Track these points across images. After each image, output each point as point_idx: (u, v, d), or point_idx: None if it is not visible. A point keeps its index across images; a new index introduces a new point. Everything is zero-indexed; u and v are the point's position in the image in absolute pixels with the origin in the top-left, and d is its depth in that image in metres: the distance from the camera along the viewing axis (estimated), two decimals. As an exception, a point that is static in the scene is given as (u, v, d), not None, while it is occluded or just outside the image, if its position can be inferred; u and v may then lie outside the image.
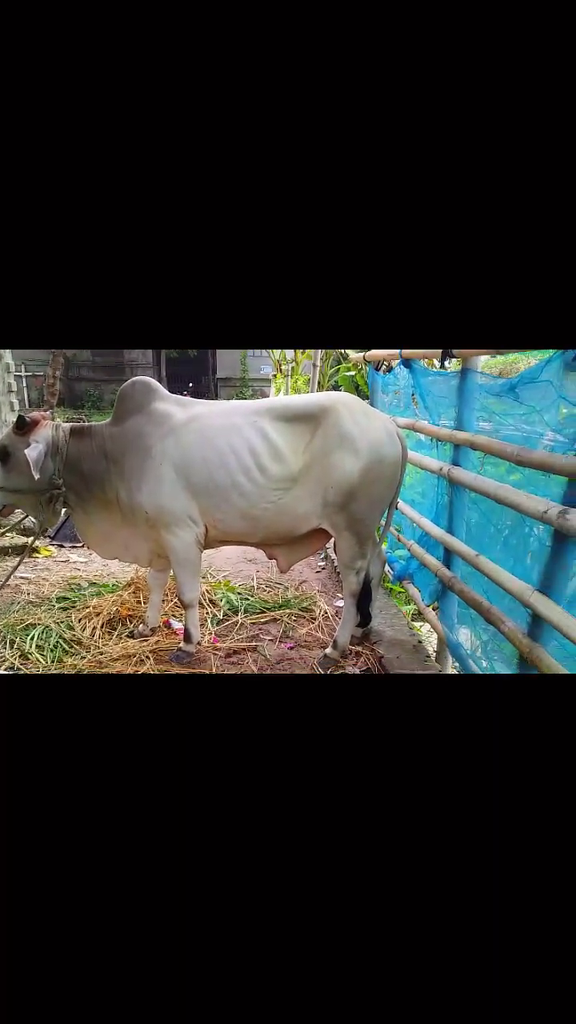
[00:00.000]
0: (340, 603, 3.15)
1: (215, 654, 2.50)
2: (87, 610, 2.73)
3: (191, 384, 12.49)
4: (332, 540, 2.39)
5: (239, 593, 3.10)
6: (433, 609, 2.71)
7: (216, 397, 12.91)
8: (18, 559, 2.49)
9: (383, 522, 2.46)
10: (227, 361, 13.39)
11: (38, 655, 2.36)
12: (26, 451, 2.12)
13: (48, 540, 3.72)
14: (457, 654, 2.31)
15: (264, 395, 12.39)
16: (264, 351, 9.89)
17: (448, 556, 2.49)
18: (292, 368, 7.03)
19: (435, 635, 2.89)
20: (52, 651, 2.40)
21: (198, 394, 2.22)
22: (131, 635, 2.59)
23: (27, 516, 2.46)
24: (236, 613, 2.89)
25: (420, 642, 2.58)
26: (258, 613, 2.92)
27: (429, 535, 2.65)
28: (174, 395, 2.39)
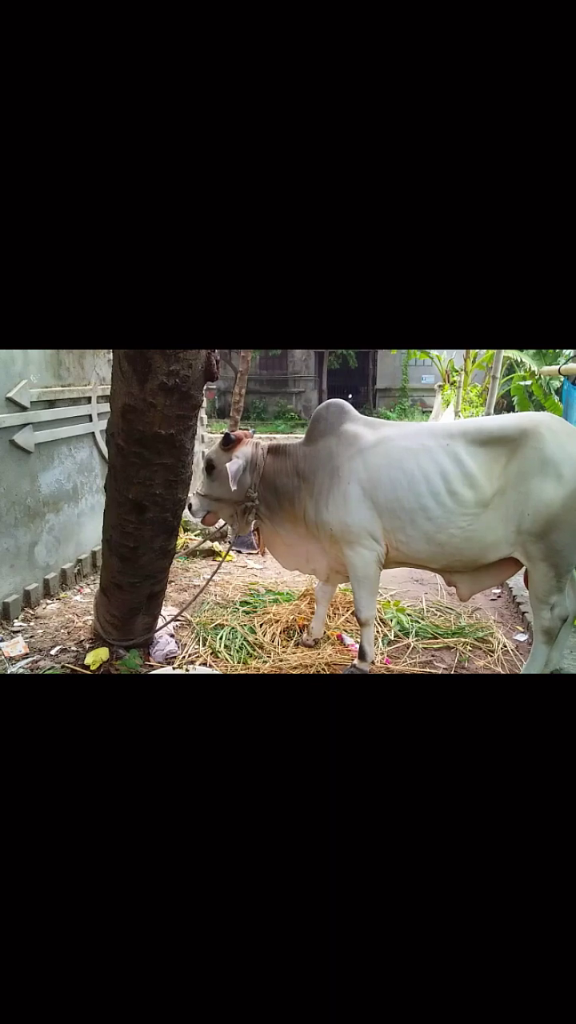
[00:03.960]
0: (520, 637, 2.92)
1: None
2: (267, 616, 2.91)
3: (350, 395, 12.66)
4: (521, 571, 2.22)
5: (409, 615, 3.04)
6: None
7: (375, 407, 12.91)
8: (217, 564, 2.75)
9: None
10: (386, 371, 13.33)
11: (227, 655, 2.57)
12: (226, 465, 2.33)
13: (228, 546, 4.05)
14: None
15: (425, 405, 12.07)
16: (427, 360, 9.58)
17: None
18: (463, 378, 6.73)
19: None
20: (238, 652, 2.60)
21: (356, 405, 2.29)
22: (296, 643, 2.70)
23: (224, 526, 2.70)
24: (407, 635, 2.84)
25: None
26: (430, 638, 2.84)
27: None
28: (365, 416, 2.44)
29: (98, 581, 2.64)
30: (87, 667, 2.36)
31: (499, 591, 3.49)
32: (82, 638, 2.66)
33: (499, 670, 2.57)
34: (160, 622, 2.61)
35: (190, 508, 2.54)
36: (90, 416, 3.59)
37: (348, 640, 2.77)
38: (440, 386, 7.87)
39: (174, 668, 2.16)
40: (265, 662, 2.53)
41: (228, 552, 2.95)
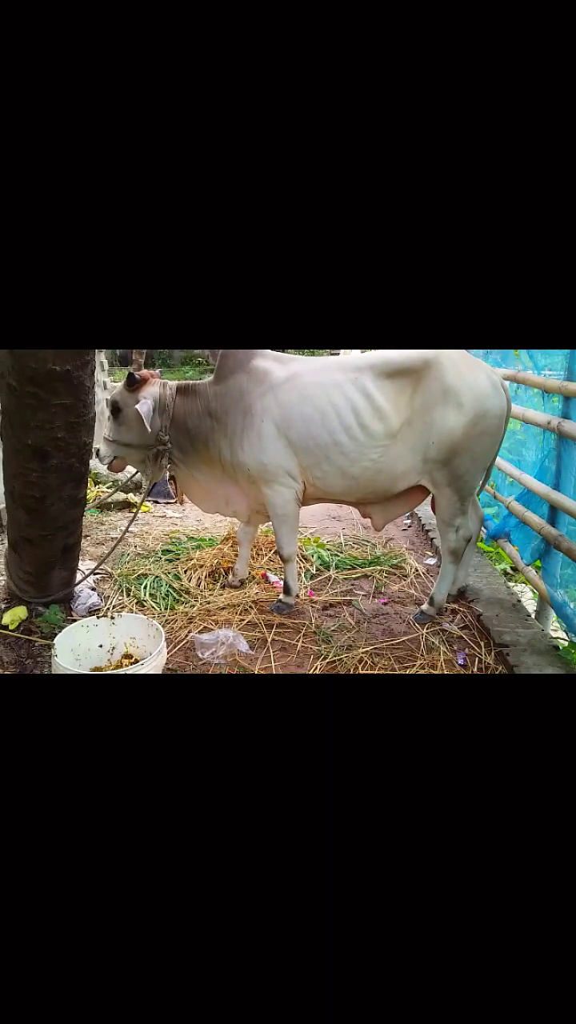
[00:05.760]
0: (430, 561, 3.14)
1: (312, 606, 2.60)
2: (191, 562, 2.90)
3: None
4: (428, 498, 2.37)
5: (329, 549, 3.16)
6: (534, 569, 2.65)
7: (285, 348, 12.72)
8: (133, 514, 2.67)
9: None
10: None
11: (152, 603, 2.55)
12: (137, 406, 2.24)
13: (142, 496, 3.93)
14: (563, 613, 2.26)
15: (335, 350, 12.08)
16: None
17: (554, 514, 2.41)
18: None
19: (529, 596, 2.84)
20: (164, 599, 2.58)
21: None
22: (223, 586, 2.74)
23: (134, 475, 2.61)
24: (328, 568, 2.96)
25: (519, 601, 2.55)
26: (349, 569, 2.98)
27: (532, 492, 2.56)
28: (274, 352, 2.41)
29: (6, 538, 2.48)
30: (6, 627, 2.25)
31: (409, 521, 3.71)
32: (-6, 600, 2.51)
33: (412, 592, 2.77)
34: (79, 576, 2.52)
35: (98, 455, 2.42)
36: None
37: (273, 578, 2.84)
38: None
39: (99, 618, 2.11)
40: (193, 606, 2.54)
41: (143, 502, 2.86)
